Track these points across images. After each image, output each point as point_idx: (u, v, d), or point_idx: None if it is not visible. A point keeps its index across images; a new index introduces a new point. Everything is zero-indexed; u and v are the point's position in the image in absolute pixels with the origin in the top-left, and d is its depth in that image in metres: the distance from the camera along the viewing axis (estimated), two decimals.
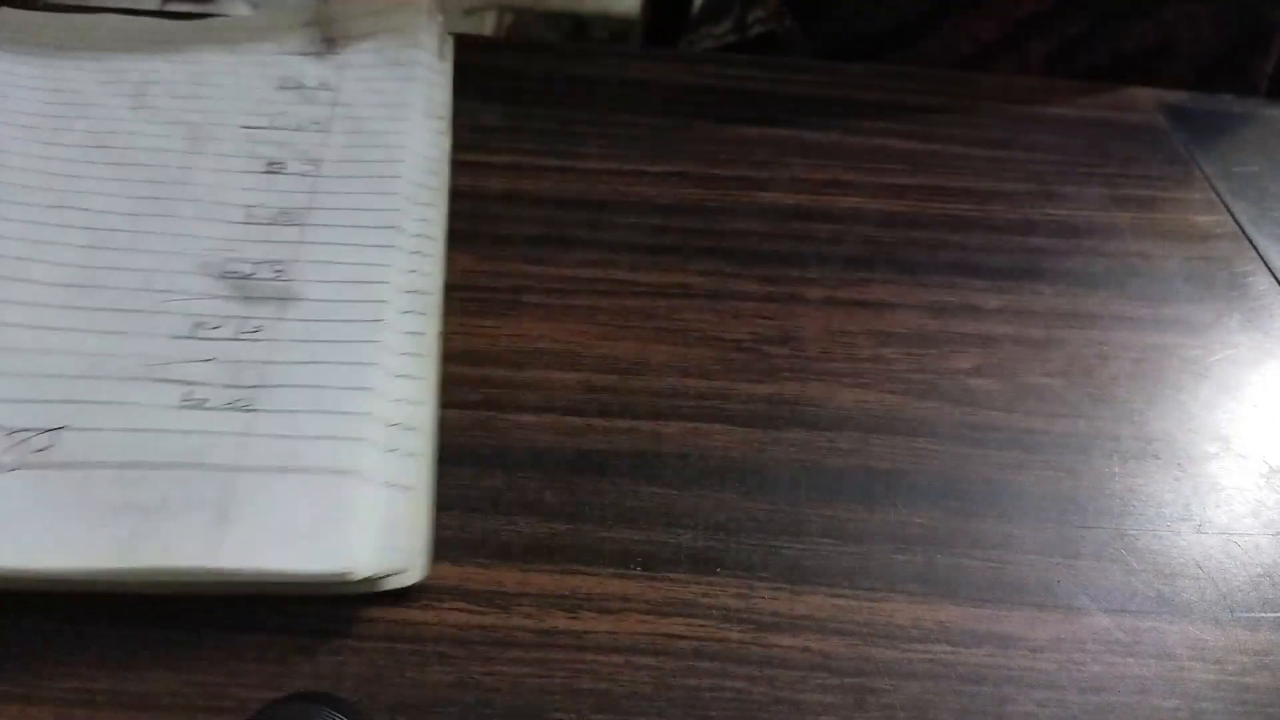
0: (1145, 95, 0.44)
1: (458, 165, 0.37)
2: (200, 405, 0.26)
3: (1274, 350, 0.33)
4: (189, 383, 0.27)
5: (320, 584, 0.23)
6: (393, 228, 0.32)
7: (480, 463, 0.27)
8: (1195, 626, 0.25)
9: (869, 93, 0.42)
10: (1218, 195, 0.39)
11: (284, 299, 0.29)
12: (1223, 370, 0.32)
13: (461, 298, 0.32)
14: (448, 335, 0.30)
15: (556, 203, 0.36)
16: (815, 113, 0.41)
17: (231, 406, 0.26)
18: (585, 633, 0.24)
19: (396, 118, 0.36)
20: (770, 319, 0.32)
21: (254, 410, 0.26)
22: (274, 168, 0.34)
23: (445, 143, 0.37)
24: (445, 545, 0.25)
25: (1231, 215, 0.38)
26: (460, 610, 0.24)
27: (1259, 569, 0.27)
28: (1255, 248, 0.37)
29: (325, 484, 0.25)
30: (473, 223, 0.34)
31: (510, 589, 0.25)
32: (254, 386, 0.27)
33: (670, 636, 0.24)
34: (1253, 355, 0.33)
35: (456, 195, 0.35)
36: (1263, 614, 0.26)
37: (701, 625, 0.24)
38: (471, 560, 0.25)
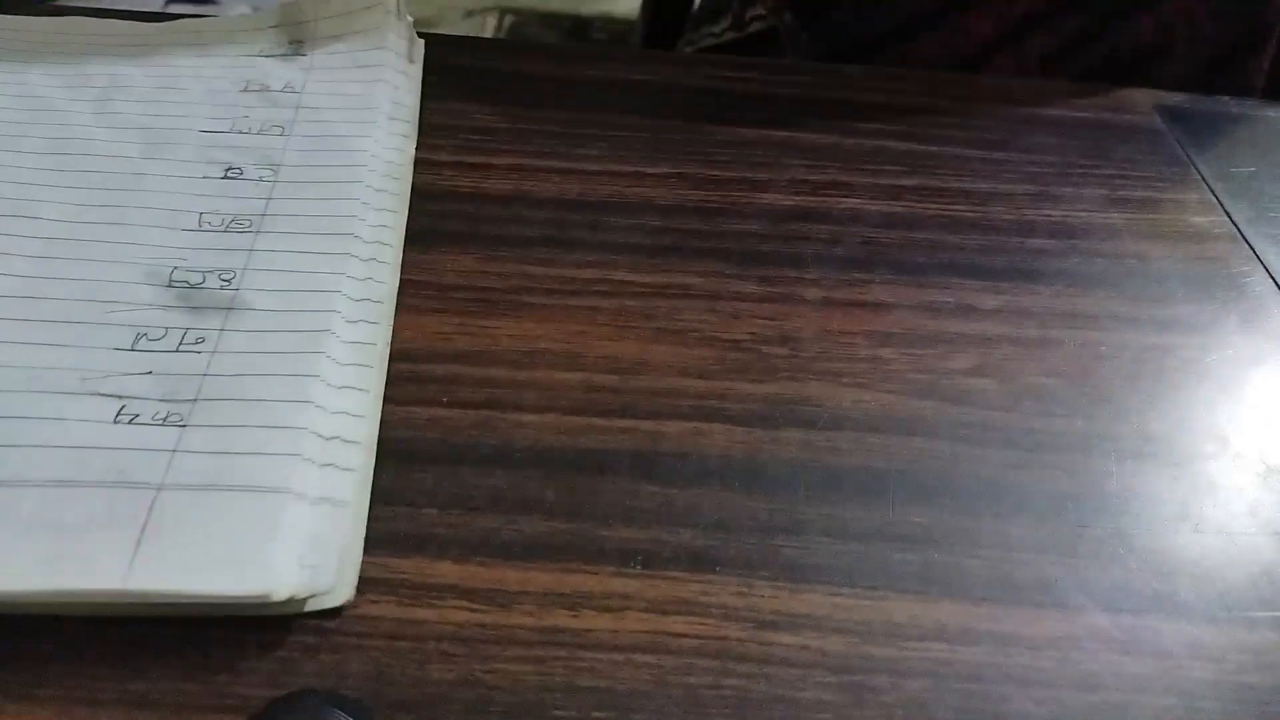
0: (1142, 96, 0.44)
1: (460, 167, 0.37)
2: (132, 420, 0.26)
3: (1271, 350, 0.33)
4: (124, 397, 0.26)
5: (242, 605, 0.23)
6: (348, 234, 0.32)
7: (481, 462, 0.27)
8: (1193, 625, 0.25)
9: (867, 94, 0.42)
10: (1215, 196, 0.39)
11: (230, 309, 0.29)
12: (1220, 370, 0.32)
13: (463, 298, 0.32)
14: (449, 335, 0.31)
15: (557, 204, 0.36)
16: (814, 114, 0.41)
17: (164, 422, 0.26)
18: (585, 631, 0.24)
19: (359, 121, 0.36)
20: (769, 319, 0.32)
21: (186, 425, 0.26)
22: (232, 173, 0.34)
23: (409, 146, 0.37)
24: (446, 544, 0.25)
25: (1228, 216, 0.38)
26: (461, 608, 0.24)
27: (1256, 568, 0.27)
28: (1252, 248, 0.37)
29: (251, 503, 0.24)
30: (474, 224, 0.35)
31: (511, 587, 0.25)
32: (190, 400, 0.26)
33: (670, 635, 0.24)
34: (1250, 355, 0.33)
35: (458, 197, 0.36)
36: (1260, 613, 0.26)
37: (701, 623, 0.24)
38: (472, 559, 0.25)
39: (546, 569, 0.25)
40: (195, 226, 0.32)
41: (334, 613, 0.24)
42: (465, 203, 0.35)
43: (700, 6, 0.67)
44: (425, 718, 0.22)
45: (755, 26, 0.57)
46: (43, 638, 0.23)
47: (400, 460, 0.27)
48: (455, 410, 0.28)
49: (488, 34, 1.35)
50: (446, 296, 0.32)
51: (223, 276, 0.30)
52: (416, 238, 0.34)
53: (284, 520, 0.24)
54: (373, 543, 0.25)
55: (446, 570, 0.25)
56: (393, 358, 0.30)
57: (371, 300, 0.30)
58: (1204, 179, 0.40)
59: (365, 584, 0.24)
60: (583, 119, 0.40)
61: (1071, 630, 0.25)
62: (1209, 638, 0.25)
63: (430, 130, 0.38)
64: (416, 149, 0.37)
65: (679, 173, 0.38)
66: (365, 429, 0.27)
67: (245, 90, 0.37)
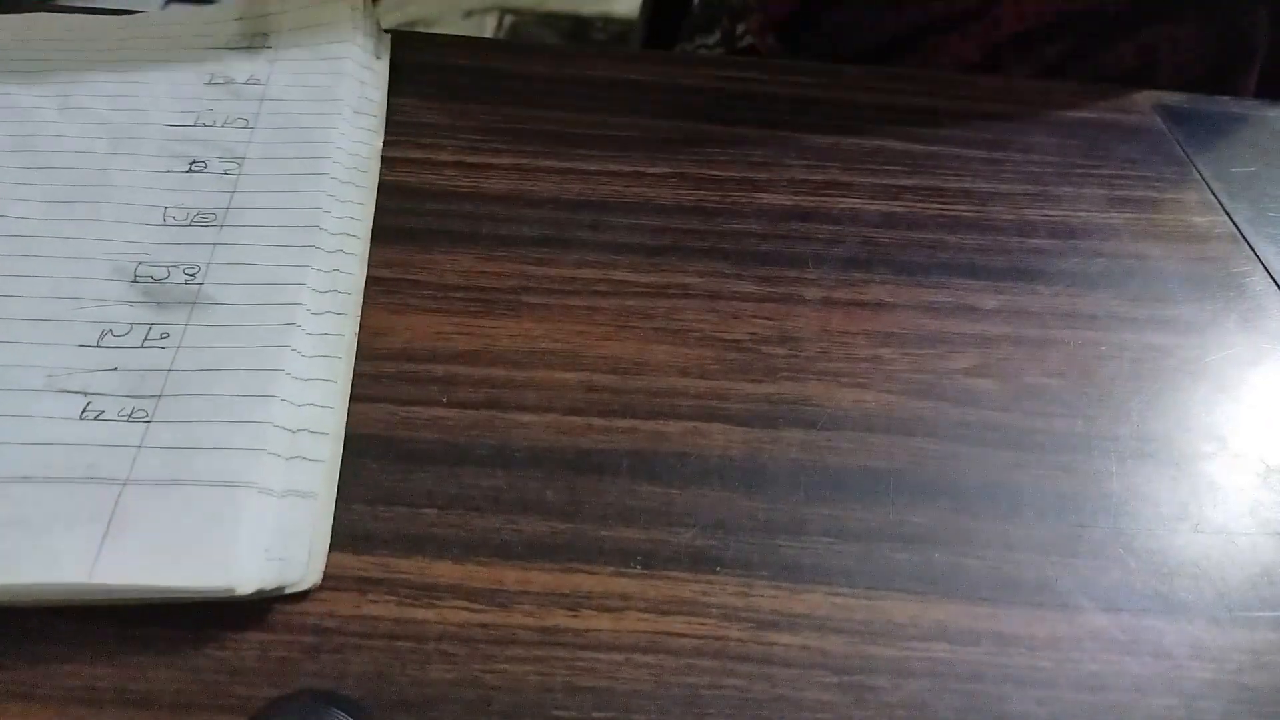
0: (1143, 97, 0.44)
1: (460, 167, 0.37)
2: (98, 417, 0.26)
3: (1270, 350, 0.33)
4: (89, 394, 0.27)
5: (210, 597, 0.23)
6: (313, 227, 0.32)
7: (481, 462, 0.27)
8: (1193, 625, 0.25)
9: (867, 94, 0.42)
10: (1215, 196, 0.39)
11: (194, 303, 0.29)
12: (1220, 370, 0.32)
13: (463, 298, 0.32)
14: (449, 335, 0.31)
15: (557, 204, 0.36)
16: (813, 114, 0.41)
17: (129, 418, 0.26)
18: (585, 631, 0.24)
19: (324, 113, 0.36)
20: (769, 319, 0.32)
21: (151, 421, 0.26)
22: (196, 167, 0.34)
23: (376, 140, 0.37)
24: (446, 544, 0.25)
25: (1228, 216, 0.38)
26: (461, 609, 0.24)
27: (1256, 568, 0.27)
28: (1252, 248, 0.37)
29: (215, 496, 0.24)
30: (474, 224, 0.35)
31: (511, 587, 0.25)
32: (154, 396, 0.27)
33: (670, 635, 0.24)
34: (1249, 355, 0.33)
35: (458, 197, 0.36)
36: (1260, 613, 0.26)
37: (701, 624, 0.24)
38: (472, 559, 0.25)
39: (546, 569, 0.25)
40: (160, 221, 0.32)
41: (334, 612, 0.24)
42: (465, 202, 0.35)
43: (694, 15, 0.67)
44: (425, 718, 0.22)
45: (746, 41, 0.57)
46: (43, 638, 0.23)
47: (400, 460, 0.27)
48: (455, 410, 0.28)
49: (487, 34, 1.35)
50: (446, 296, 0.32)
51: (187, 271, 0.30)
52: (417, 237, 0.34)
53: (249, 514, 0.24)
54: (373, 543, 0.25)
55: (446, 570, 0.25)
56: (392, 357, 0.30)
57: (338, 292, 0.31)
58: (1204, 179, 0.40)
59: (365, 584, 0.24)
60: (582, 119, 0.40)
61: (1072, 630, 0.25)
62: (1209, 638, 0.25)
63: (430, 130, 0.38)
64: (416, 149, 0.37)
65: (679, 172, 0.38)
66: (333, 420, 0.27)
67: (210, 83, 0.37)
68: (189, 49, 0.39)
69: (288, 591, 0.24)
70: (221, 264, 0.30)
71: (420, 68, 0.41)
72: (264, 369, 0.27)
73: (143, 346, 0.28)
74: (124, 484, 0.25)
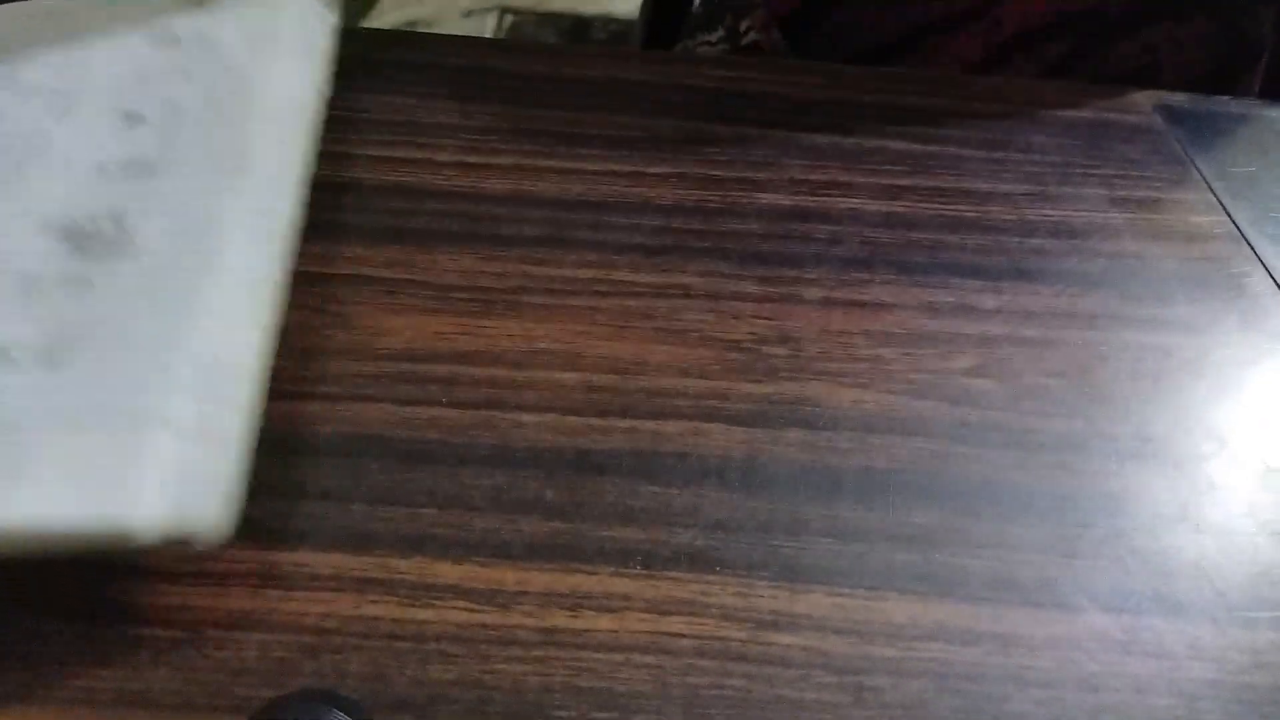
0: (1143, 96, 0.44)
1: (460, 167, 0.37)
2: (12, 363, 0.26)
3: (1270, 350, 0.33)
4: (5, 343, 0.26)
5: (116, 540, 0.22)
6: (240, 170, 0.31)
7: (481, 462, 0.27)
8: (1192, 625, 0.25)
9: (867, 94, 0.42)
10: (1215, 196, 0.39)
11: (120, 252, 0.29)
12: (1219, 370, 0.32)
13: (463, 298, 0.32)
14: (449, 335, 0.31)
15: (557, 204, 0.36)
16: (813, 114, 0.41)
17: (40, 363, 0.26)
18: (585, 631, 0.24)
19: (261, 56, 0.36)
20: (769, 319, 0.32)
21: (64, 365, 0.26)
22: (133, 121, 0.33)
23: (321, 86, 0.36)
24: (446, 544, 0.25)
25: (1229, 215, 0.38)
26: (461, 609, 0.24)
27: (1256, 568, 0.27)
28: (1252, 248, 0.37)
29: (120, 439, 0.24)
30: (474, 224, 0.35)
31: (510, 588, 0.25)
32: (70, 343, 0.26)
33: (670, 635, 0.24)
34: (1249, 355, 0.33)
35: (458, 197, 0.36)
36: (1259, 613, 0.26)
37: (701, 624, 0.24)
38: (472, 559, 0.25)
39: (546, 569, 0.25)
40: (93, 174, 0.32)
41: (333, 612, 0.24)
42: (465, 202, 0.35)
43: (696, 13, 0.67)
44: (424, 718, 0.22)
45: (749, 38, 0.57)
46: (42, 640, 0.23)
47: (400, 460, 0.27)
48: (455, 410, 0.28)
49: (487, 34, 1.34)
50: (446, 296, 0.32)
51: (116, 220, 0.30)
52: (417, 237, 0.34)
53: (153, 457, 0.24)
54: (372, 543, 0.25)
55: (446, 570, 0.25)
56: (393, 357, 0.30)
57: (268, 236, 0.30)
58: (1204, 179, 0.40)
59: (365, 584, 0.24)
60: (582, 119, 0.40)
61: (1072, 630, 0.25)
62: (1209, 638, 0.25)
63: (430, 130, 0.38)
64: (416, 149, 0.37)
65: (679, 172, 0.38)
66: (251, 364, 0.27)
67: (151, 40, 0.37)
68: (135, 7, 0.38)
69: (199, 544, 0.23)
70: (150, 211, 0.30)
71: (420, 67, 0.41)
72: (179, 312, 0.27)
73: (64, 295, 0.27)
74: (31, 429, 0.24)
